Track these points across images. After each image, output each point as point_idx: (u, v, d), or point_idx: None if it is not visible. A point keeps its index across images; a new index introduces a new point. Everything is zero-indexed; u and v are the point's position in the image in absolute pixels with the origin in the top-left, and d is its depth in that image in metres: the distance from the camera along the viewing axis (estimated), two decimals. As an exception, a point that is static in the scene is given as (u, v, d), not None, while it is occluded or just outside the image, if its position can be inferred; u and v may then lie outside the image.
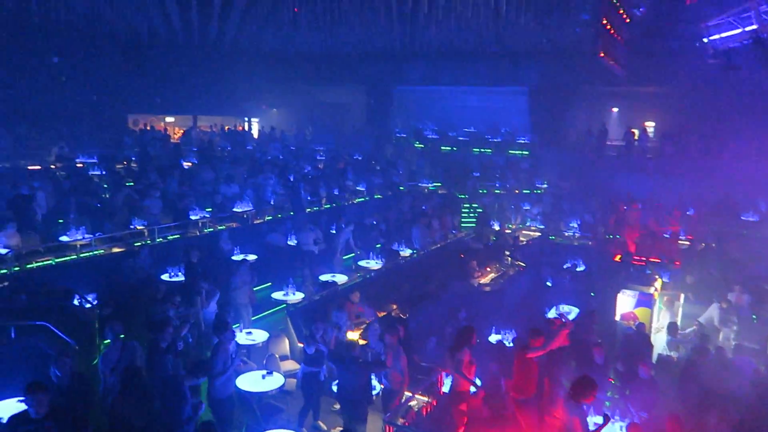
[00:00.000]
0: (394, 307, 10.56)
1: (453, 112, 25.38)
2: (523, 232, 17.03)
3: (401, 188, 19.06)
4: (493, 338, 9.33)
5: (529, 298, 11.03)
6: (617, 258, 13.68)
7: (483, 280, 12.76)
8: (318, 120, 27.31)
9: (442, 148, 23.24)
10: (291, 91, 27.43)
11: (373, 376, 7.34)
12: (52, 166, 15.40)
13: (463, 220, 18.20)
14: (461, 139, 23.59)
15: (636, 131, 21.40)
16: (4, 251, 9.37)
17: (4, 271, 9.19)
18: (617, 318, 10.20)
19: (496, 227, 16.56)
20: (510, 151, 22.44)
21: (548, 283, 12.08)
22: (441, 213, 16.25)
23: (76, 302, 8.57)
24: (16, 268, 9.41)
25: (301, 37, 21.27)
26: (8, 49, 18.02)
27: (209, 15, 18.16)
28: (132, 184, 14.43)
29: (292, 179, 15.97)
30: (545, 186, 20.21)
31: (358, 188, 17.85)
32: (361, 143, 23.63)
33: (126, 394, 5.91)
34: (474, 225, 17.32)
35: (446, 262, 13.45)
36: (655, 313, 10.23)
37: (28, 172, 14.44)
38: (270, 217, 14.54)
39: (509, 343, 9.00)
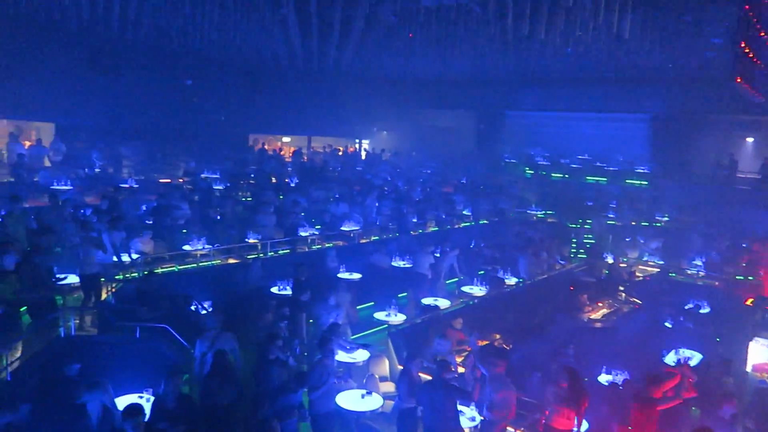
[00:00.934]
0: (497, 336, 10.25)
1: (565, 139, 24.56)
2: (640, 267, 15.92)
3: (509, 215, 18.62)
4: (603, 378, 8.73)
5: (644, 338, 10.24)
6: (749, 302, 12.38)
7: (593, 316, 12.04)
8: (426, 143, 27.52)
9: (553, 175, 22.49)
10: (401, 114, 27.93)
11: (473, 408, 7.10)
12: (180, 180, 16.66)
13: (573, 250, 17.39)
14: (574, 166, 22.72)
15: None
16: (135, 256, 10.19)
17: (135, 274, 9.98)
18: (748, 369, 9.20)
19: (610, 260, 15.63)
20: (627, 181, 21.25)
21: (667, 324, 11.15)
22: (550, 242, 15.62)
23: (193, 308, 9.12)
24: (144, 273, 10.20)
25: (414, 63, 21.61)
26: (148, 74, 19.89)
27: (328, 41, 18.96)
28: (249, 199, 15.29)
29: (398, 201, 16.12)
30: (666, 219, 18.87)
31: (464, 213, 17.67)
32: (469, 168, 23.46)
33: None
34: (585, 257, 16.50)
35: (554, 294, 12.86)
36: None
37: (159, 185, 15.74)
38: (376, 238, 14.75)
39: (621, 385, 8.39)
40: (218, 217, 13.08)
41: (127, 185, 15.01)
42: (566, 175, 22.25)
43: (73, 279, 9.26)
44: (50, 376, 6.70)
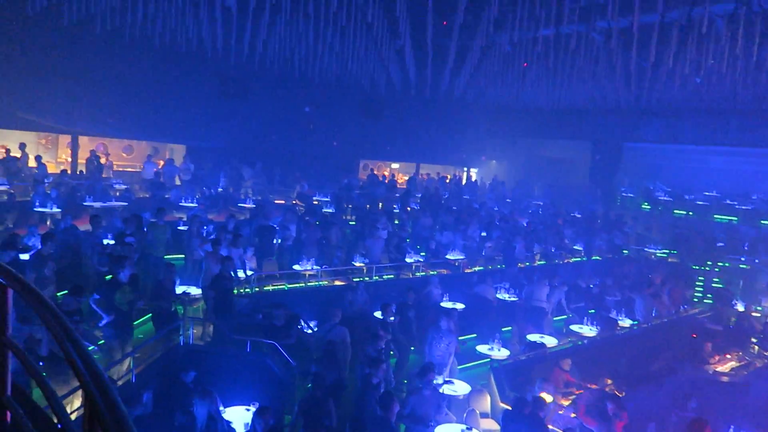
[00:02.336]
0: (609, 382, 9.62)
1: (690, 173, 22.87)
2: (777, 317, 14.34)
3: (624, 252, 17.56)
4: (732, 440, 7.89)
5: (782, 399, 9.16)
6: None
7: (720, 368, 10.96)
8: (537, 174, 26.79)
9: (675, 211, 20.96)
10: (511, 143, 27.46)
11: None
12: (294, 202, 17.41)
13: (696, 294, 16.03)
14: (699, 203, 21.04)
15: None
16: (249, 272, 10.73)
17: (248, 290, 10.49)
18: None
19: (740, 308, 14.23)
20: (763, 222, 19.33)
21: (812, 385, 9.90)
22: (671, 284, 14.50)
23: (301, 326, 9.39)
24: (256, 289, 10.70)
25: (527, 91, 21.23)
26: (271, 101, 21.17)
27: (442, 70, 19.15)
28: (352, 223, 15.64)
29: (506, 232, 15.75)
30: (809, 266, 16.89)
31: (575, 247, 16.92)
32: (581, 200, 22.50)
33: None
34: (712, 302, 15.13)
35: (674, 341, 11.87)
36: None
37: (273, 205, 16.55)
38: (480, 268, 14.48)
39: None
40: (326, 240, 13.46)
41: (246, 205, 15.93)
42: (690, 213, 20.65)
43: (194, 291, 9.90)
44: (168, 381, 7.15)
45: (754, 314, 13.88)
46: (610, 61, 16.15)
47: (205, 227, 12.16)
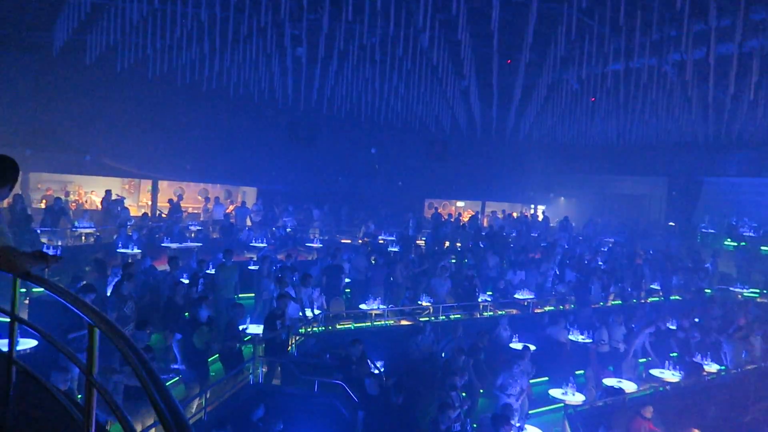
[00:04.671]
0: (696, 431, 8.95)
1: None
2: None
3: (707, 291, 16.56)
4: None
5: None
6: None
7: (823, 420, 9.98)
8: (609, 211, 25.93)
9: (763, 248, 19.65)
10: (580, 180, 26.81)
11: None
12: (360, 241, 17.60)
13: (792, 338, 14.78)
14: (789, 238, 19.67)
15: None
16: (317, 312, 10.84)
17: (316, 329, 10.58)
18: None
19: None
20: None
21: None
22: (762, 326, 13.48)
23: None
24: (323, 329, 10.77)
25: (596, 128, 20.80)
26: (339, 144, 21.82)
27: (508, 109, 19.11)
28: (423, 262, 15.54)
29: (579, 270, 15.24)
30: None
31: (652, 287, 16.12)
32: (658, 238, 21.51)
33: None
34: (808, 346, 13.90)
35: (768, 389, 10.96)
36: None
37: (341, 245, 16.77)
38: (551, 308, 14.01)
39: None
40: (391, 279, 13.46)
41: (314, 245, 16.24)
42: (780, 249, 19.32)
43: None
44: (238, 421, 7.24)
45: None
46: (684, 94, 15.63)
47: (275, 267, 12.45)
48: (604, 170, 26.20)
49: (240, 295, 11.21)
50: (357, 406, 7.67)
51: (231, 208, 19.24)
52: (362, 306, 11.90)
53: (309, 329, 10.54)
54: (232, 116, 19.88)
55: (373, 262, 13.71)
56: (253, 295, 11.63)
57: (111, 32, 12.90)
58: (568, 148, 25.21)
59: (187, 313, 9.09)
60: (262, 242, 15.38)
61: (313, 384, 8.13)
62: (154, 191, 20.11)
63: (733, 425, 9.23)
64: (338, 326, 11.16)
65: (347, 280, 13.05)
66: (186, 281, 10.70)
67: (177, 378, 8.27)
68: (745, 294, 16.73)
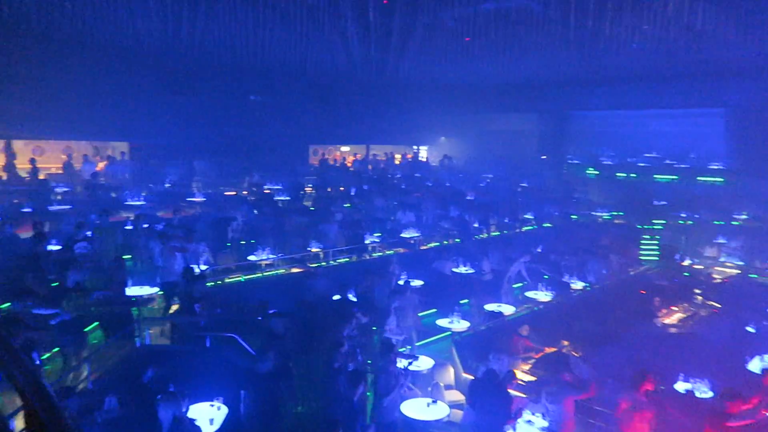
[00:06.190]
0: (566, 343, 9.95)
1: (634, 138, 23.68)
2: (717, 269, 15.11)
3: (574, 217, 18.10)
4: (681, 387, 8.29)
5: (725, 344, 9.67)
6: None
7: (668, 321, 11.51)
8: (489, 148, 27.17)
9: (618, 175, 21.68)
10: (462, 119, 27.72)
11: (540, 416, 6.90)
12: (245, 192, 17.18)
13: (643, 253, 16.69)
14: (642, 165, 21.82)
15: None
16: (204, 267, 10.56)
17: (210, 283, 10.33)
18: None
19: (684, 262, 14.92)
20: (700, 179, 20.21)
21: (750, 329, 10.50)
22: (619, 245, 15.05)
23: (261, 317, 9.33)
24: (212, 284, 10.55)
25: (474, 67, 21.42)
26: (218, 93, 20.71)
27: (387, 50, 19.10)
28: (312, 208, 15.56)
29: (460, 207, 15.98)
30: (745, 217, 17.81)
31: (526, 216, 17.33)
32: (532, 171, 22.98)
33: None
34: (657, 259, 15.79)
35: (625, 299, 12.36)
36: None
37: (225, 197, 16.29)
38: (437, 244, 14.66)
39: (701, 393, 7.95)
40: (281, 227, 13.36)
41: (196, 199, 15.63)
42: (633, 175, 21.40)
43: (148, 290, 9.69)
44: (128, 385, 7.02)
45: (697, 267, 14.58)
46: (550, 31, 16.42)
47: (155, 225, 11.87)
48: (482, 109, 27.24)
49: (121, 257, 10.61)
50: (258, 353, 7.69)
51: (101, 165, 17.89)
52: (251, 257, 11.76)
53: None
54: (95, 65, 18.08)
55: (255, 211, 13.49)
56: (130, 256, 11.07)
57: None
58: (447, 88, 25.84)
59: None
60: (139, 200, 14.54)
61: (204, 340, 8.02)
62: (8, 152, 18.13)
63: (597, 334, 10.33)
64: (227, 280, 10.98)
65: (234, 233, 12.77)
66: (57, 247, 9.94)
67: (58, 349, 7.79)
68: (605, 217, 18.49)
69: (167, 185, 17.01)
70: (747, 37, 15.55)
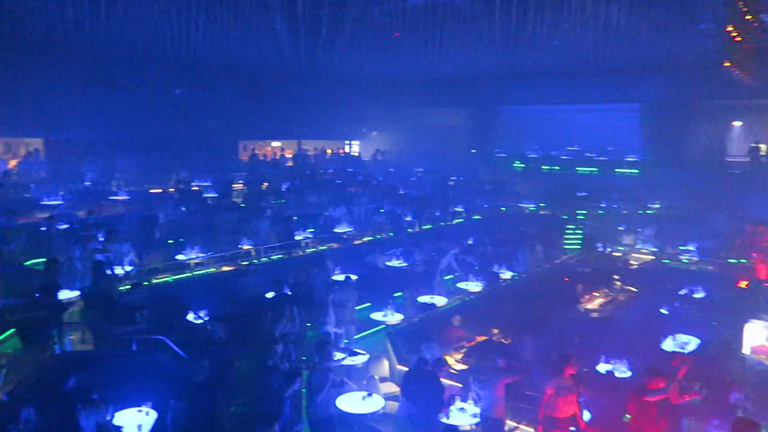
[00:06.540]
0: (496, 331, 10.26)
1: (558, 132, 24.64)
2: (634, 255, 16.00)
3: (502, 209, 18.66)
4: (603, 368, 8.75)
5: (642, 326, 10.27)
6: (743, 284, 12.46)
7: (590, 306, 12.07)
8: (421, 142, 27.49)
9: (543, 167, 22.54)
10: (394, 114, 27.87)
11: (472, 403, 7.10)
12: (171, 190, 16.61)
13: (567, 242, 17.45)
14: (564, 158, 22.77)
15: (763, 146, 19.60)
16: (129, 268, 10.16)
17: (128, 286, 9.94)
18: (746, 351, 9.23)
19: (604, 250, 15.71)
20: (617, 170, 21.32)
21: (663, 311, 11.21)
22: (544, 235, 15.67)
23: (191, 317, 9.10)
24: (138, 285, 10.15)
25: (404, 62, 21.59)
26: (141, 87, 19.83)
27: (316, 44, 18.93)
28: (243, 205, 15.27)
29: (392, 201, 16.14)
30: (658, 206, 18.95)
31: (456, 209, 17.71)
32: (461, 165, 23.49)
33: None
34: (579, 248, 16.54)
35: (550, 286, 12.89)
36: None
37: (150, 195, 15.69)
38: (370, 238, 14.74)
39: (620, 374, 8.42)
40: (211, 225, 13.04)
41: (119, 197, 14.99)
42: (557, 167, 22.31)
43: (67, 294, 9.21)
44: (48, 394, 6.66)
45: (615, 254, 15.40)
46: (476, 28, 16.79)
47: (73, 225, 11.32)
48: (413, 103, 27.52)
49: (33, 261, 10.04)
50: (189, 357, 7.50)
51: (13, 162, 16.81)
52: (180, 256, 11.42)
53: (122, 287, 9.87)
54: (4, 55, 16.83)
55: (183, 208, 13.12)
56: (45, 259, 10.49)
57: None
58: (378, 82, 25.93)
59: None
60: (56, 199, 13.77)
61: (130, 343, 7.72)
62: None
63: (525, 321, 10.71)
64: (155, 280, 10.60)
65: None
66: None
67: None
68: (531, 208, 19.18)
69: (87, 183, 16.20)
70: (658, 35, 16.53)
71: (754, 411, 7.38)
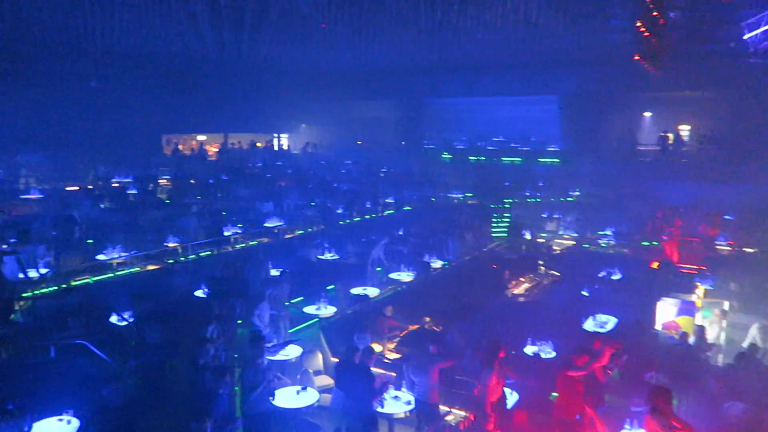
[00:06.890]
0: (428, 319, 10.45)
1: (485, 123, 25.27)
2: (556, 241, 16.73)
3: (431, 200, 18.98)
4: (529, 350, 9.12)
5: (565, 308, 10.77)
6: (655, 265, 13.31)
7: (517, 291, 12.55)
8: (351, 135, 27.46)
9: (470, 158, 23.10)
10: (322, 106, 27.67)
11: (406, 391, 7.23)
12: (90, 187, 15.81)
13: (494, 230, 17.98)
14: (490, 148, 23.43)
15: (671, 135, 20.92)
16: (44, 270, 9.61)
17: (45, 290, 9.41)
18: (658, 327, 9.88)
19: (528, 237, 16.32)
20: (540, 160, 22.18)
21: (584, 293, 11.80)
22: (472, 223, 16.08)
23: (114, 319, 8.73)
24: (56, 288, 9.63)
25: (331, 54, 21.46)
26: (49, 76, 18.64)
27: (241, 34, 18.49)
28: (168, 201, 14.75)
29: (322, 194, 16.07)
30: (578, 194, 19.88)
31: (387, 200, 17.86)
32: (391, 156, 23.68)
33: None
34: (506, 235, 17.10)
35: (479, 274, 13.26)
36: (707, 327, 9.75)
37: (67, 193, 14.87)
38: (301, 232, 14.63)
39: (546, 354, 8.80)
40: (134, 223, 12.53)
41: (31, 196, 14.12)
42: (482, 158, 22.92)
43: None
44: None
45: (539, 240, 16.03)
46: (403, 20, 16.92)
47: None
48: (342, 96, 27.40)
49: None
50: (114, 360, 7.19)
51: None
52: (101, 256, 10.90)
53: (37, 291, 9.33)
54: None
55: (103, 206, 12.54)
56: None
57: None
58: (306, 75, 25.65)
59: None
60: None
61: (48, 349, 7.32)
62: None
63: (456, 308, 10.97)
64: (74, 282, 10.07)
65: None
66: None
67: None
68: (459, 198, 19.63)
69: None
70: (575, 31, 17.29)
71: (669, 384, 7.93)
